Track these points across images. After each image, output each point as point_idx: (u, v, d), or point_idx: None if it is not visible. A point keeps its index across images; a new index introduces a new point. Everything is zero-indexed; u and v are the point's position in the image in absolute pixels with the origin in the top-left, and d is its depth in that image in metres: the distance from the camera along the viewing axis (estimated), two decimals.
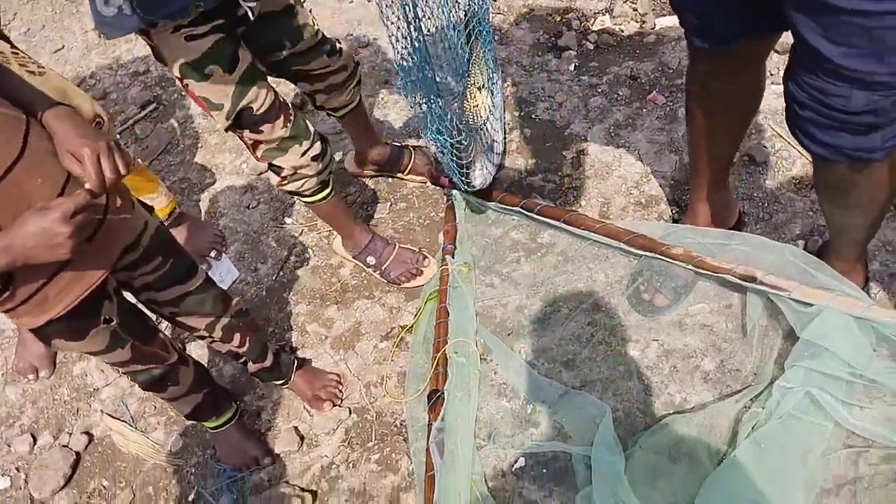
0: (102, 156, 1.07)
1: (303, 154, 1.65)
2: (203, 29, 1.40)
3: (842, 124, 1.09)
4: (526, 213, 1.93)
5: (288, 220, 2.24)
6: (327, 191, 1.80)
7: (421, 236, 2.08)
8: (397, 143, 2.22)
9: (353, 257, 2.01)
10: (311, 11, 1.71)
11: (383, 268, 1.97)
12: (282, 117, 1.59)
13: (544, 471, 1.61)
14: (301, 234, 2.19)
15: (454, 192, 2.05)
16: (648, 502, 1.46)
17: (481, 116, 1.84)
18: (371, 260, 1.97)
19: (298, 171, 1.68)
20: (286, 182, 1.71)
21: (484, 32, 1.72)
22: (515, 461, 1.65)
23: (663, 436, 1.55)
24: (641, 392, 1.66)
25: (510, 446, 1.66)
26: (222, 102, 1.50)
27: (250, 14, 1.43)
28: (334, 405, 1.82)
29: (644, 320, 1.76)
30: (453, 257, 1.94)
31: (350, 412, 1.81)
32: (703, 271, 1.68)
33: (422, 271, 1.97)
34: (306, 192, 1.76)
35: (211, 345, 1.65)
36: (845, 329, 1.50)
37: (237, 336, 1.64)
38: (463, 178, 1.86)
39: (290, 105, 1.63)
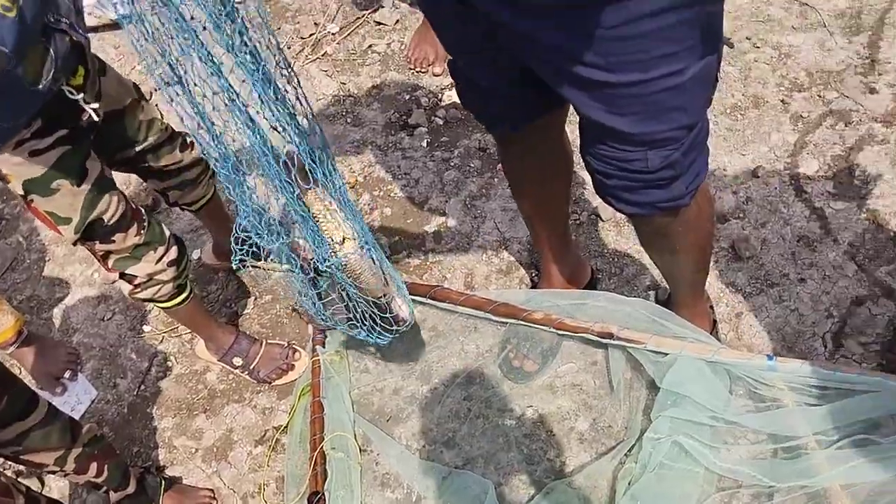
0: None
1: (158, 260, 1.58)
2: (47, 142, 1.32)
3: (647, 183, 1.16)
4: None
5: (146, 328, 2.12)
6: (185, 294, 1.72)
7: (290, 328, 2.03)
8: None
9: (219, 360, 1.93)
10: (157, 106, 1.67)
11: (251, 367, 1.89)
12: (135, 225, 1.52)
13: None
14: (161, 341, 2.08)
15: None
16: None
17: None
18: (238, 361, 1.89)
19: (153, 278, 1.60)
20: (139, 290, 1.63)
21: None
22: None
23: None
24: (522, 462, 1.66)
25: None
26: (70, 216, 1.41)
27: (94, 116, 1.36)
28: None
29: (517, 387, 1.77)
30: (324, 346, 1.89)
31: None
32: (565, 332, 1.72)
33: (293, 366, 1.91)
34: (162, 299, 1.68)
35: (66, 478, 1.52)
36: (700, 374, 1.57)
37: (93, 466, 1.52)
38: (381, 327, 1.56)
39: (142, 210, 1.57)
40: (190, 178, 1.77)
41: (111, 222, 1.46)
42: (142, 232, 1.53)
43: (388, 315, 1.53)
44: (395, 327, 1.55)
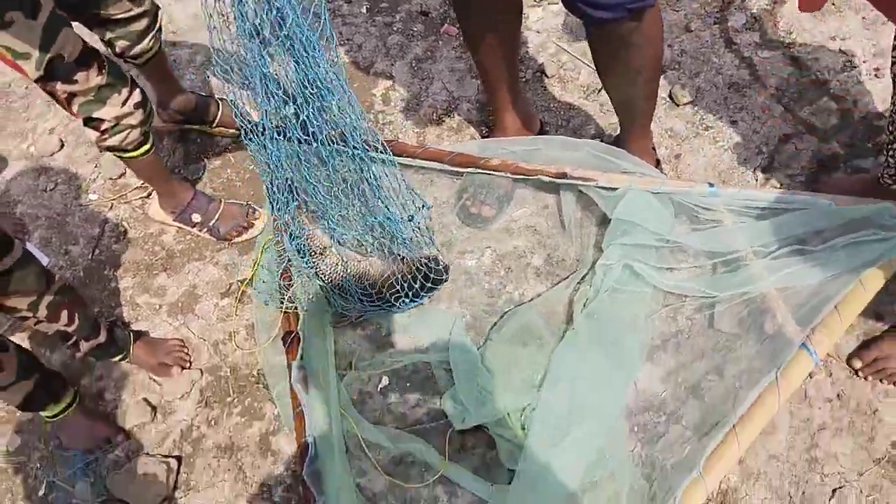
0: None
1: (123, 103, 1.55)
2: None
3: None
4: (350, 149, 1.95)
5: (93, 197, 2.08)
6: (150, 143, 1.70)
7: (244, 191, 2.04)
8: (203, 93, 2.12)
9: (175, 219, 1.92)
10: None
11: (211, 224, 1.90)
12: (95, 64, 1.49)
13: (408, 384, 1.68)
14: (111, 208, 2.05)
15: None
16: (507, 384, 1.58)
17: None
18: (196, 217, 1.89)
19: (121, 122, 1.58)
20: (107, 136, 1.59)
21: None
22: (379, 381, 1.69)
23: (509, 327, 1.68)
24: (484, 295, 1.77)
25: (371, 368, 1.71)
26: (29, 52, 1.36)
27: None
28: (183, 368, 1.75)
29: (475, 231, 1.86)
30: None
31: (202, 373, 1.75)
32: (520, 176, 1.81)
33: (252, 224, 1.93)
34: (130, 146, 1.65)
35: (36, 326, 1.51)
36: (648, 205, 1.70)
37: (64, 313, 1.53)
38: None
39: (99, 51, 1.52)
40: (138, 30, 1.72)
41: (71, 59, 1.42)
42: (103, 72, 1.50)
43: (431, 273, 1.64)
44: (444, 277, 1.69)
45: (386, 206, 1.51)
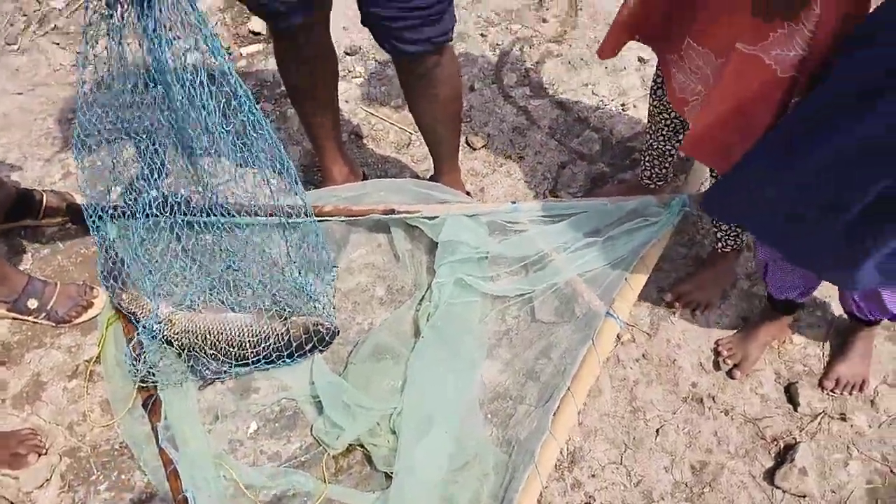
0: None
1: None
2: None
3: (423, 20, 1.53)
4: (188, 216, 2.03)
5: None
6: None
7: (77, 274, 2.03)
8: (22, 187, 2.10)
9: (9, 309, 1.87)
10: None
11: (48, 308, 1.88)
12: None
13: (277, 424, 1.75)
14: None
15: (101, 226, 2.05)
16: (372, 396, 1.72)
17: None
18: (33, 303, 1.86)
19: None
20: None
21: None
22: (248, 427, 1.75)
23: (365, 349, 1.83)
24: (339, 329, 1.90)
25: (237, 417, 1.76)
26: None
27: None
28: (39, 455, 1.68)
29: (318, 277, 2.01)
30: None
31: (60, 457, 1.70)
32: (354, 218, 2.01)
33: (92, 302, 1.93)
34: None
35: None
36: (465, 226, 1.96)
37: None
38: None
39: None
40: None
41: None
42: None
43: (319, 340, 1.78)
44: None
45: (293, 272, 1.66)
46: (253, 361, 1.77)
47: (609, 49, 1.74)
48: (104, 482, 1.67)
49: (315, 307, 1.79)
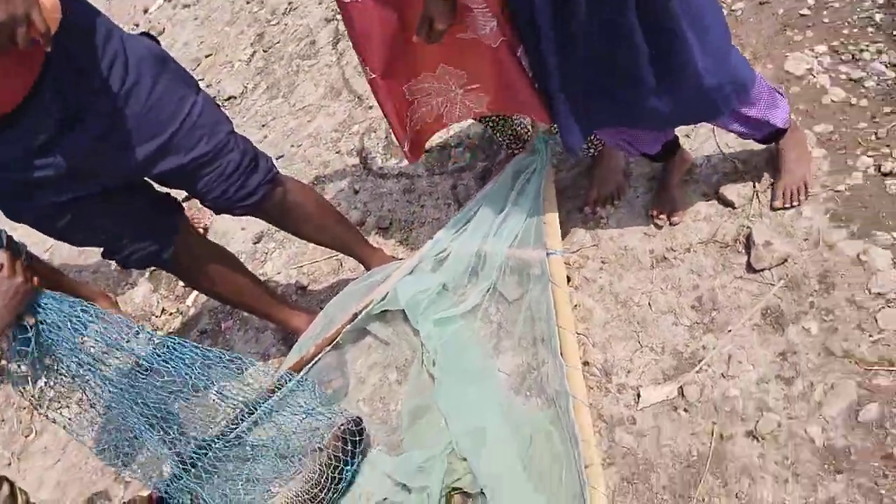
0: None
1: None
2: None
3: (244, 174, 1.85)
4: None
5: None
6: None
7: None
8: None
9: None
10: None
11: None
12: None
13: None
14: None
15: None
16: (431, 447, 1.91)
17: None
18: None
19: None
20: None
21: None
22: None
23: (405, 422, 2.03)
24: (380, 424, 2.11)
25: None
26: None
27: None
28: None
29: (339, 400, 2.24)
30: None
31: None
32: (334, 342, 2.25)
33: None
34: None
35: None
36: (412, 282, 2.21)
37: None
38: None
39: None
40: None
41: None
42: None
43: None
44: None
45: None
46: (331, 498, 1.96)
47: (415, 153, 2.10)
48: None
49: (331, 421, 2.00)
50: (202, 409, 1.99)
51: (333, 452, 1.97)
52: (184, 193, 1.99)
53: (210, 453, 1.96)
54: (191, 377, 1.78)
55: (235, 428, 2.04)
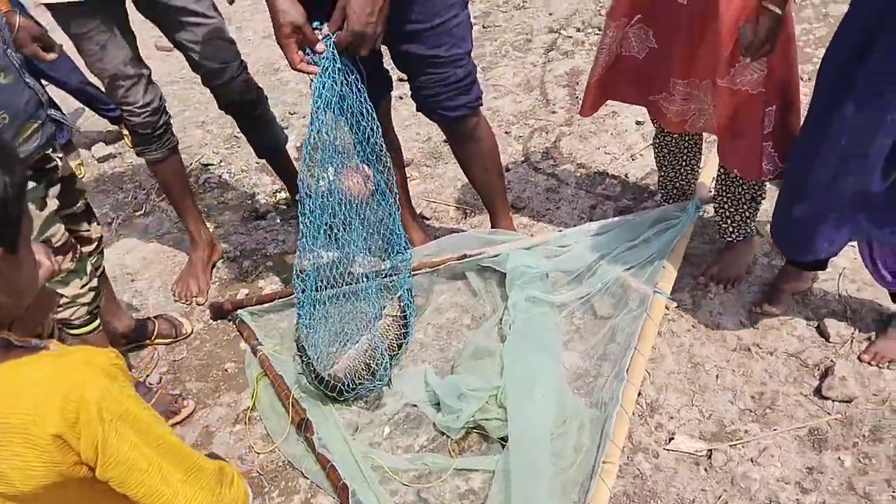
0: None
1: (82, 287, 1.99)
2: None
3: (458, 90, 2.11)
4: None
5: None
6: (96, 322, 2.09)
7: (226, 353, 2.51)
8: (139, 318, 2.59)
9: None
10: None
11: None
12: (70, 253, 1.95)
13: (406, 426, 2.14)
14: None
15: (238, 312, 2.57)
16: (480, 382, 2.10)
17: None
18: None
19: (75, 301, 1.99)
20: (61, 309, 1.98)
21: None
22: (383, 432, 2.14)
23: (465, 355, 2.25)
24: (437, 352, 2.33)
25: (372, 425, 2.15)
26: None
27: (59, 165, 1.91)
28: None
29: (415, 318, 2.46)
30: (261, 344, 2.43)
31: None
32: (436, 267, 2.50)
33: (180, 411, 2.31)
34: (76, 322, 2.02)
35: None
36: (525, 255, 2.44)
37: None
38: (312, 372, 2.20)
39: (76, 244, 2.00)
40: (92, 250, 2.17)
41: (56, 244, 1.88)
42: (74, 260, 1.95)
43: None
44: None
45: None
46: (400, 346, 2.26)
47: (587, 108, 2.36)
48: (274, 491, 2.05)
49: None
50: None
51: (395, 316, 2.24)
52: None
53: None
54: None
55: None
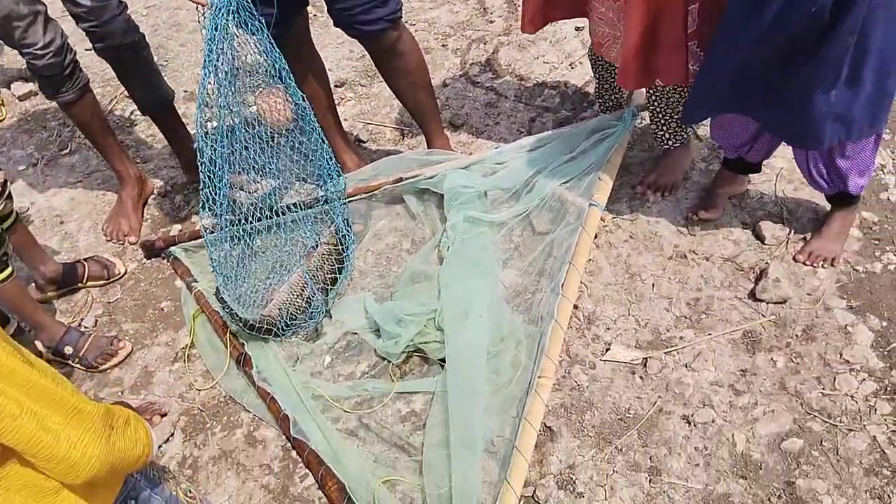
0: None
1: None
2: None
3: (373, 3, 2.00)
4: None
5: None
6: (7, 271, 2.02)
7: (161, 292, 2.45)
8: (65, 262, 2.51)
9: (52, 353, 2.20)
10: None
11: (80, 354, 2.21)
12: None
13: (346, 353, 2.12)
14: None
15: (171, 249, 2.49)
16: (416, 307, 2.09)
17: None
18: (68, 350, 2.21)
19: None
20: None
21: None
22: (323, 361, 2.12)
23: (403, 279, 2.22)
24: (377, 278, 2.29)
25: (312, 356, 2.14)
26: None
27: None
28: (162, 416, 2.05)
29: (355, 244, 2.41)
30: (197, 281, 2.37)
31: (178, 416, 2.07)
32: (372, 192, 2.43)
33: (117, 353, 2.25)
34: None
35: None
36: (462, 175, 2.38)
37: None
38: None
39: None
40: None
41: None
42: None
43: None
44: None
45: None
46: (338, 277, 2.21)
47: (526, 24, 2.24)
48: (217, 426, 2.03)
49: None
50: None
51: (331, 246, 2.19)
52: None
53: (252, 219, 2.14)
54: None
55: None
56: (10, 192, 2.16)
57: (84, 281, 2.48)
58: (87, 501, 1.07)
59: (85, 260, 2.51)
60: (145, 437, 1.12)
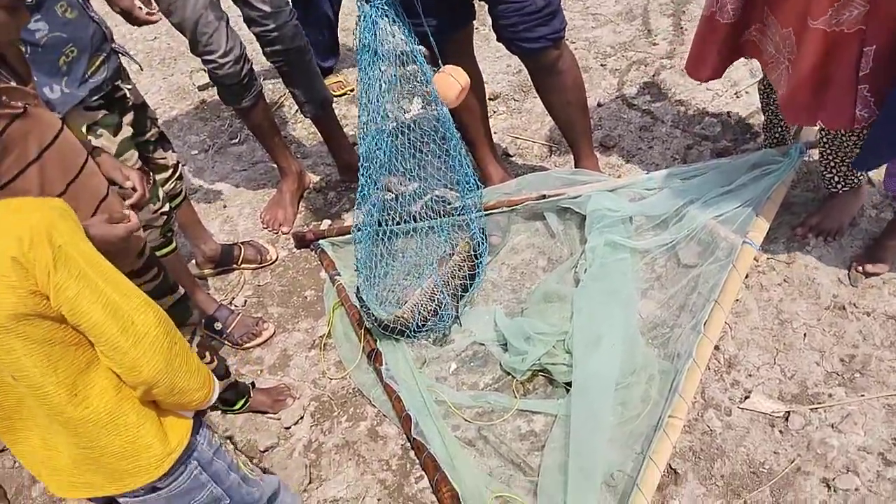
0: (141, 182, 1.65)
1: (154, 212, 2.07)
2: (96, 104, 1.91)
3: (538, 20, 2.00)
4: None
5: None
6: (172, 245, 2.17)
7: (307, 281, 2.58)
8: (225, 243, 2.70)
9: (203, 327, 2.33)
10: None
11: (228, 331, 2.36)
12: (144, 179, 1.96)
13: (472, 364, 2.14)
14: None
15: (320, 242, 2.63)
16: (546, 326, 2.07)
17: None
18: (217, 325, 2.36)
19: (150, 224, 2.06)
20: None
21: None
22: (449, 368, 2.15)
23: (536, 297, 2.21)
24: (509, 293, 2.30)
25: (440, 360, 2.17)
26: None
27: (127, 94, 2.00)
28: (293, 399, 2.17)
29: (490, 257, 2.43)
30: (340, 274, 2.48)
31: (309, 401, 2.17)
32: (514, 206, 2.44)
33: (261, 333, 2.38)
34: (151, 244, 2.03)
35: None
36: (609, 198, 2.34)
37: (207, 353, 1.97)
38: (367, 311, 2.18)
39: (149, 171, 2.09)
40: (167, 177, 2.26)
41: None
42: (147, 185, 1.94)
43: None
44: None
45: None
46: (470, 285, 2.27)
47: (709, 72, 2.13)
48: (343, 416, 2.11)
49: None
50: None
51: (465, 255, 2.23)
52: None
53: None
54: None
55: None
56: (181, 174, 2.36)
57: (239, 263, 2.66)
58: (162, 427, 1.26)
59: (242, 243, 2.70)
60: (208, 374, 1.27)
